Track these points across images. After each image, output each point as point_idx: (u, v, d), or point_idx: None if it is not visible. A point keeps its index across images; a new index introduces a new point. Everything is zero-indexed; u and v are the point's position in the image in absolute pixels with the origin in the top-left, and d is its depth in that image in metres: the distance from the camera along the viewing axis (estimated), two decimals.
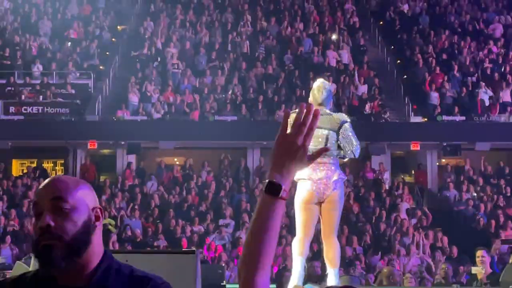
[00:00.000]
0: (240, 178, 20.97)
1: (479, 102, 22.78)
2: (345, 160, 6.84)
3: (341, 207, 6.78)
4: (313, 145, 6.23)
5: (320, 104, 6.67)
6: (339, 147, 6.73)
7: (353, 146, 6.67)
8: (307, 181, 6.66)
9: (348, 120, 6.79)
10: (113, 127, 21.80)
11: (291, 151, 2.17)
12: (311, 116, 2.18)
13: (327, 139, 6.63)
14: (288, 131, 2.19)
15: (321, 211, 6.73)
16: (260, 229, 2.15)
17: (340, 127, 6.65)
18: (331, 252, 6.73)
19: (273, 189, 2.15)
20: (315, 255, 14.51)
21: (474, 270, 10.19)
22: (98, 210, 2.26)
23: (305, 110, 2.19)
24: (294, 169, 2.19)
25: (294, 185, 6.70)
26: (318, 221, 6.84)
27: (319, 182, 6.64)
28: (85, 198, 2.23)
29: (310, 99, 6.80)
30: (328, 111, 6.74)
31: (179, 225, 17.76)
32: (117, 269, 2.28)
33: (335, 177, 6.66)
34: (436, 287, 10.04)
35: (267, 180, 2.18)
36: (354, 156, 6.71)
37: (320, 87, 6.85)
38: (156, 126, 21.41)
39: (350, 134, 6.68)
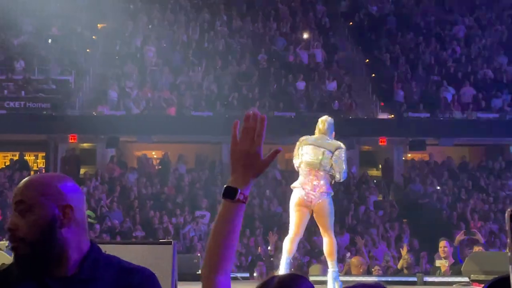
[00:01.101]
0: (215, 172, 20.98)
1: (442, 99, 22.97)
2: (334, 180, 7.77)
3: (331, 211, 7.66)
4: (312, 158, 7.61)
5: (323, 133, 7.93)
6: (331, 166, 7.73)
7: (341, 169, 7.69)
8: (299, 189, 7.66)
9: (344, 147, 7.88)
10: (93, 121, 21.71)
11: (244, 157, 2.22)
12: (258, 123, 2.23)
13: (323, 154, 7.68)
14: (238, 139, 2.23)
15: (315, 218, 7.68)
16: (221, 232, 2.19)
17: (335, 150, 7.73)
18: (327, 248, 7.67)
19: (230, 193, 2.20)
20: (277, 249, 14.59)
21: (438, 263, 10.30)
22: (68, 207, 2.23)
23: (254, 118, 2.24)
24: (250, 174, 2.23)
25: (290, 191, 7.92)
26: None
27: (308, 191, 7.59)
28: (49, 198, 2.21)
29: (316, 130, 8.02)
30: (329, 138, 7.91)
31: (157, 216, 17.75)
32: (105, 261, 2.29)
33: (322, 190, 7.60)
34: (401, 277, 10.12)
35: (225, 185, 2.23)
36: (340, 178, 7.74)
37: (323, 120, 8.09)
38: (135, 120, 21.35)
39: (342, 158, 7.74)
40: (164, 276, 3.92)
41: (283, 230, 17.17)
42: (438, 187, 20.87)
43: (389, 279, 8.87)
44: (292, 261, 7.95)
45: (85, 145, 22.82)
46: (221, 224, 2.20)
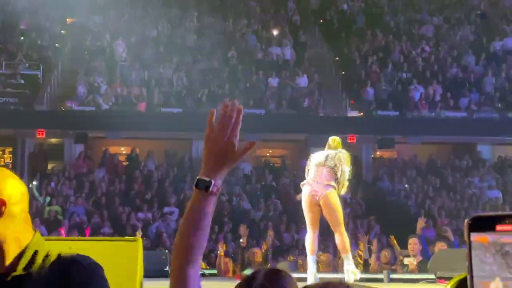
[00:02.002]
0: (184, 168, 20.92)
1: (411, 98, 23.14)
2: (339, 177, 8.16)
3: (338, 207, 8.05)
4: (318, 159, 8.15)
5: (332, 148, 8.41)
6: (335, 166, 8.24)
7: (343, 165, 8.19)
8: (306, 186, 8.11)
9: (347, 154, 8.44)
10: (61, 117, 21.55)
11: (219, 147, 2.18)
12: (235, 112, 2.20)
13: (327, 155, 8.23)
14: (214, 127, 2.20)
15: (324, 214, 8.08)
16: (192, 223, 2.15)
17: (338, 152, 8.27)
18: (340, 242, 8.06)
19: (203, 185, 2.16)
20: (257, 242, 14.61)
21: (406, 261, 10.38)
22: (1, 201, 2.26)
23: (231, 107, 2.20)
24: (224, 165, 2.19)
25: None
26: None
27: (313, 184, 8.02)
28: None
29: (326, 146, 8.49)
30: (332, 150, 8.36)
31: (125, 212, 17.65)
32: (45, 254, 2.29)
33: (326, 183, 8.00)
34: (367, 274, 10.18)
35: (198, 176, 2.18)
36: (344, 175, 8.20)
37: (334, 139, 8.54)
38: (104, 116, 21.20)
39: (344, 156, 8.26)
40: (130, 273, 3.90)
41: (253, 226, 17.20)
42: (406, 185, 21.02)
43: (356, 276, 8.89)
44: (317, 259, 8.51)
45: (53, 140, 22.62)
46: (192, 215, 2.16)
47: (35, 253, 2.26)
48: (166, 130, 21.22)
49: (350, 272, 7.94)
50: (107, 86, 22.21)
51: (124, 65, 23.18)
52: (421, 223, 11.23)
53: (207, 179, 2.16)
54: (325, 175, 8.02)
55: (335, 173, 8.07)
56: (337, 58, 25.52)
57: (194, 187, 2.18)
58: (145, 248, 4.28)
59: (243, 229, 12.55)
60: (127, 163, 21.18)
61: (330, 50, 26.04)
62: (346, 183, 8.22)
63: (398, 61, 24.75)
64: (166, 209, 18.03)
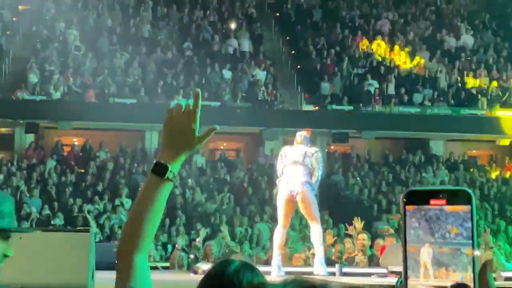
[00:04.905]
0: (137, 160, 20.80)
1: (365, 93, 23.36)
2: (314, 176, 8.51)
3: (314, 201, 8.46)
4: (295, 157, 8.41)
5: (299, 143, 8.75)
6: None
7: (319, 167, 8.51)
8: (283, 184, 8.40)
9: (320, 153, 8.82)
10: (11, 105, 21.24)
11: (179, 132, 2.17)
12: (194, 99, 2.19)
13: (305, 153, 8.55)
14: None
15: (300, 208, 8.45)
16: (144, 209, 2.11)
17: (314, 152, 8.60)
18: (316, 235, 8.41)
19: (160, 170, 2.14)
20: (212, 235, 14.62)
21: (357, 259, 10.53)
22: None
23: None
24: (182, 149, 2.18)
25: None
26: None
27: (292, 183, 8.30)
28: None
29: (294, 142, 8.85)
30: (306, 147, 8.71)
31: (76, 204, 17.50)
32: None
33: (303, 179, 8.33)
34: (324, 266, 10.26)
35: (154, 161, 2.17)
36: (318, 176, 8.54)
37: (301, 135, 8.91)
38: (55, 106, 20.96)
39: (320, 159, 8.62)
40: (81, 265, 3.88)
41: (208, 221, 17.21)
42: (358, 179, 21.22)
43: (309, 269, 8.98)
44: (282, 254, 8.74)
45: (3, 129, 22.27)
46: (145, 200, 2.11)
47: None
48: (119, 121, 21.07)
49: (320, 264, 8.28)
50: (59, 75, 21.93)
51: (77, 54, 22.90)
52: (357, 221, 11.32)
53: (165, 163, 2.14)
54: (302, 173, 8.34)
55: (311, 171, 8.42)
56: (293, 51, 25.61)
57: (150, 172, 2.15)
58: (96, 240, 4.26)
59: (200, 231, 12.62)
60: (79, 153, 20.96)
61: (286, 44, 26.11)
62: (321, 166, 8.61)
63: (353, 56, 24.94)
64: (117, 201, 17.91)
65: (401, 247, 1.57)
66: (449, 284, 1.46)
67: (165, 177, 2.13)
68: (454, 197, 1.50)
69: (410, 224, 1.51)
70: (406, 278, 1.51)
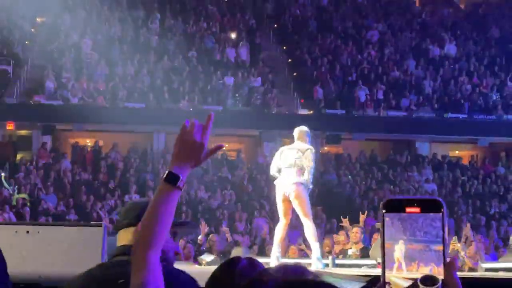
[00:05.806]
0: (146, 159, 20.81)
1: (357, 98, 23.37)
2: (304, 176, 8.23)
3: (306, 199, 8.23)
4: (290, 161, 8.20)
5: (298, 139, 8.56)
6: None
7: (309, 166, 8.23)
8: (278, 184, 8.29)
9: (313, 150, 8.48)
10: (30, 110, 21.30)
11: (190, 147, 2.24)
12: (206, 119, 2.27)
13: (299, 154, 8.29)
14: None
15: (293, 206, 8.23)
16: (156, 213, 2.19)
17: (305, 150, 8.30)
18: (309, 232, 8.23)
19: (172, 179, 2.20)
20: (216, 229, 14.62)
21: (350, 251, 10.54)
22: None
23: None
24: (191, 163, 2.26)
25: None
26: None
27: (283, 183, 8.20)
28: None
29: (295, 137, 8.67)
30: (303, 143, 8.46)
31: (90, 200, 17.50)
32: None
33: (295, 180, 8.15)
34: (321, 261, 10.28)
35: (167, 170, 2.23)
36: (309, 174, 8.26)
37: (301, 130, 8.74)
38: (70, 110, 20.98)
39: (310, 156, 8.28)
40: (94, 257, 3.88)
41: (211, 216, 17.20)
42: (350, 177, 21.23)
43: (303, 261, 8.99)
44: (280, 249, 8.56)
45: (22, 132, 22.32)
46: (158, 205, 2.19)
47: None
48: (129, 123, 21.11)
49: (317, 260, 8.10)
50: (74, 81, 21.95)
51: (90, 62, 22.91)
52: (363, 216, 11.43)
53: (176, 174, 2.21)
54: (294, 174, 8.22)
55: (303, 171, 8.27)
56: (290, 59, 25.62)
57: (162, 180, 2.22)
58: (109, 234, 4.27)
59: (203, 225, 12.30)
60: (92, 154, 20.97)
61: (284, 52, 26.13)
62: (312, 164, 8.37)
63: (346, 64, 24.96)
64: (127, 198, 17.90)
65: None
66: (419, 275, 1.55)
67: (176, 186, 2.20)
68: (427, 205, 1.59)
69: (386, 224, 1.60)
70: (383, 272, 1.62)
